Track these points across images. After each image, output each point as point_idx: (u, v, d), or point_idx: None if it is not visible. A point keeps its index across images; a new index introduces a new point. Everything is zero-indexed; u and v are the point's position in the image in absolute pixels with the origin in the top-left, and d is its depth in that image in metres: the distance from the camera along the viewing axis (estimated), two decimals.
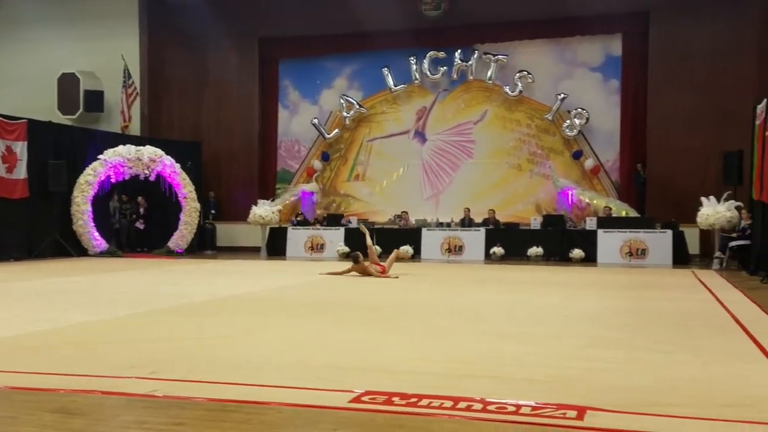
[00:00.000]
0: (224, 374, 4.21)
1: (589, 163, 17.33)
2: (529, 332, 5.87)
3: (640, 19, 16.97)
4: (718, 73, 16.25)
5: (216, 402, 3.64)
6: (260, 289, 9.44)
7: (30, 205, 15.38)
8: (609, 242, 15.11)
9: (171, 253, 17.07)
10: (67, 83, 19.04)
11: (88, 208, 16.33)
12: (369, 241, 12.29)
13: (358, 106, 18.88)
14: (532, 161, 17.82)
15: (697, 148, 16.26)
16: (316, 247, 17.05)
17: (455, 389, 3.86)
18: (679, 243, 14.93)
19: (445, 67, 18.18)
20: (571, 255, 15.23)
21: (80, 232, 16.25)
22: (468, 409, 3.49)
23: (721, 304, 7.87)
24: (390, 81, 18.56)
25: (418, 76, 18.40)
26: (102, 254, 16.33)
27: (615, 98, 17.37)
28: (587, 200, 16.93)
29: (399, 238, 16.02)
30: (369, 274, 11.10)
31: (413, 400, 3.64)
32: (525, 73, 17.59)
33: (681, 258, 14.76)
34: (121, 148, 16.77)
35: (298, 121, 19.60)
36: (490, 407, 3.51)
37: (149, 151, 16.92)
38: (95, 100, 19.08)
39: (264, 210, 17.40)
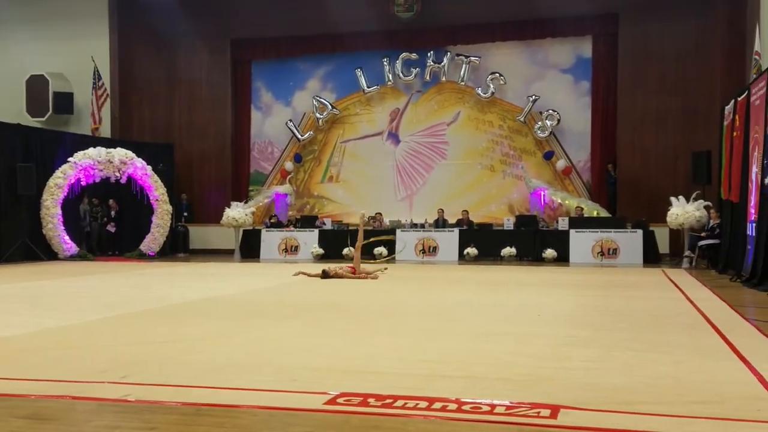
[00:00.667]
0: (198, 378, 4.18)
1: (560, 163, 17.48)
2: (502, 332, 5.90)
3: (609, 21, 17.16)
4: (687, 73, 16.49)
5: (189, 406, 3.61)
6: (234, 292, 9.36)
7: None
8: (581, 242, 15.26)
9: (143, 256, 16.91)
10: (36, 85, 18.76)
11: (58, 211, 16.13)
12: (359, 243, 12.19)
13: (331, 108, 18.84)
14: (505, 162, 17.93)
15: (667, 148, 16.53)
16: (290, 249, 17.00)
17: (430, 390, 3.87)
18: (649, 242, 15.12)
19: (417, 69, 18.22)
20: (543, 255, 15.36)
21: (50, 235, 16.04)
22: (443, 409, 3.50)
23: (691, 302, 7.96)
24: (363, 82, 18.56)
25: (391, 78, 18.41)
26: (72, 258, 16.13)
27: (586, 99, 17.54)
28: (559, 201, 17.09)
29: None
30: (343, 277, 11.07)
31: (388, 401, 3.64)
32: (497, 74, 17.68)
33: (651, 257, 14.95)
34: (91, 151, 16.58)
35: (271, 122, 19.52)
36: (465, 407, 3.53)
37: (120, 153, 16.74)
38: (65, 102, 18.81)
39: (237, 212, 17.33)
